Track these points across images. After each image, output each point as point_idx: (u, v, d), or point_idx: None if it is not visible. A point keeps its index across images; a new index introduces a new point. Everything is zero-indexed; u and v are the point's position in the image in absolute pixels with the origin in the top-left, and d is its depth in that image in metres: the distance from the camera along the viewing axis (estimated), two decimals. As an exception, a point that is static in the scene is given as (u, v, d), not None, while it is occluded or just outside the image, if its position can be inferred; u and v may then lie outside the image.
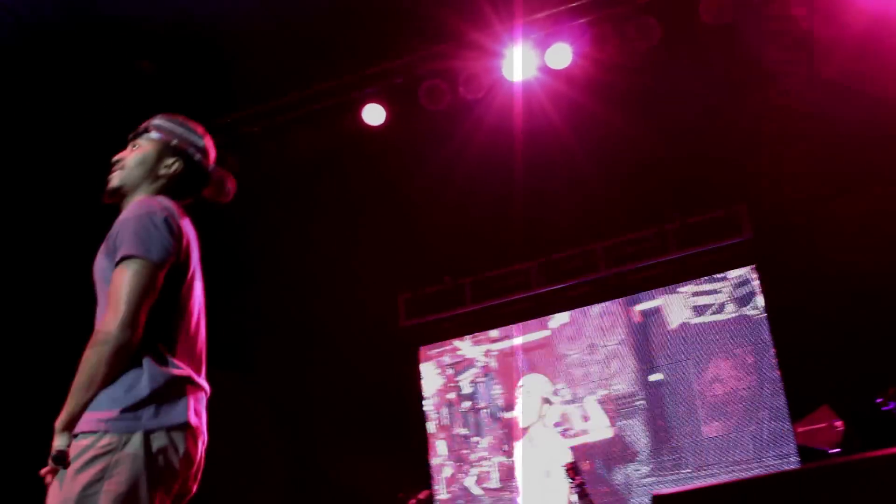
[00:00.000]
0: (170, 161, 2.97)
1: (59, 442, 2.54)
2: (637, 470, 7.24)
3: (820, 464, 4.92)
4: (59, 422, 2.57)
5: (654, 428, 7.25)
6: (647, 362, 7.42)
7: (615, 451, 7.33)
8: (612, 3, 6.35)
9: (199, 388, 2.76)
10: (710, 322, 7.32)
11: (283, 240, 7.86)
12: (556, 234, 7.68)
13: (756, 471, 6.77)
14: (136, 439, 2.54)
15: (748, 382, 7.09)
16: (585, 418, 7.46)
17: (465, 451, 7.64)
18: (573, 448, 7.33)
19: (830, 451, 5.71)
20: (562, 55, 6.51)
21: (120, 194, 2.94)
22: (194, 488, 2.77)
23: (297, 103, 6.98)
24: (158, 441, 2.57)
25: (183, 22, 6.14)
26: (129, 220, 2.70)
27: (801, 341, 6.71)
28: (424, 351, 8.03)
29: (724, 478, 6.83)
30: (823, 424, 5.76)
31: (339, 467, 7.36)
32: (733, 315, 7.23)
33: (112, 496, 2.47)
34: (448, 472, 7.62)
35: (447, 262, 7.91)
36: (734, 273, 7.29)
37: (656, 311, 7.53)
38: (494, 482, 7.54)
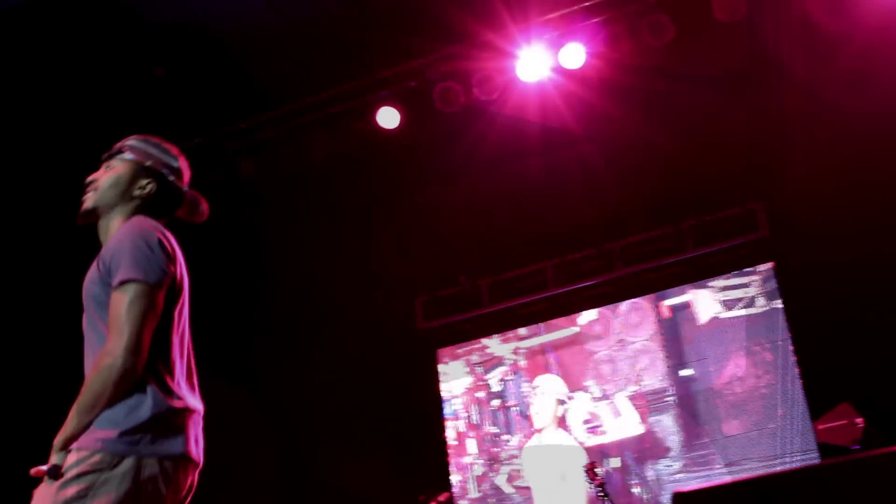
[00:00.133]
0: (144, 182, 2.98)
1: (55, 459, 2.56)
2: (668, 466, 7.21)
3: (841, 459, 4.86)
4: (59, 440, 2.60)
5: (685, 423, 7.21)
6: (677, 357, 7.38)
7: (646, 448, 7.30)
8: (624, 2, 6.29)
9: (196, 413, 2.78)
10: (741, 316, 7.26)
11: (298, 244, 7.92)
12: (572, 234, 7.67)
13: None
14: (128, 463, 2.55)
15: (767, 380, 7.04)
16: (616, 415, 7.44)
17: (495, 450, 7.67)
18: (604, 445, 7.34)
19: (851, 448, 5.64)
20: (575, 55, 6.47)
21: (94, 216, 2.96)
22: None
23: (311, 107, 6.99)
24: (150, 469, 2.58)
25: (196, 28, 6.16)
26: (124, 243, 2.72)
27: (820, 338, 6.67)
28: (452, 350, 8.06)
29: (754, 474, 6.77)
30: (844, 421, 5.69)
31: (359, 472, 7.38)
32: (764, 309, 7.17)
33: None
34: (479, 470, 7.65)
35: (464, 263, 7.92)
36: (764, 266, 7.22)
37: (686, 306, 7.48)
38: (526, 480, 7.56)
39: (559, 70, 6.60)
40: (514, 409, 7.77)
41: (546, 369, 7.69)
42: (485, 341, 7.96)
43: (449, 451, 7.82)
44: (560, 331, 7.79)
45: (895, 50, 6.31)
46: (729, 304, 7.32)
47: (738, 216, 7.24)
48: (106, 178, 2.97)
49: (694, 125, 7.00)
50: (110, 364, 2.58)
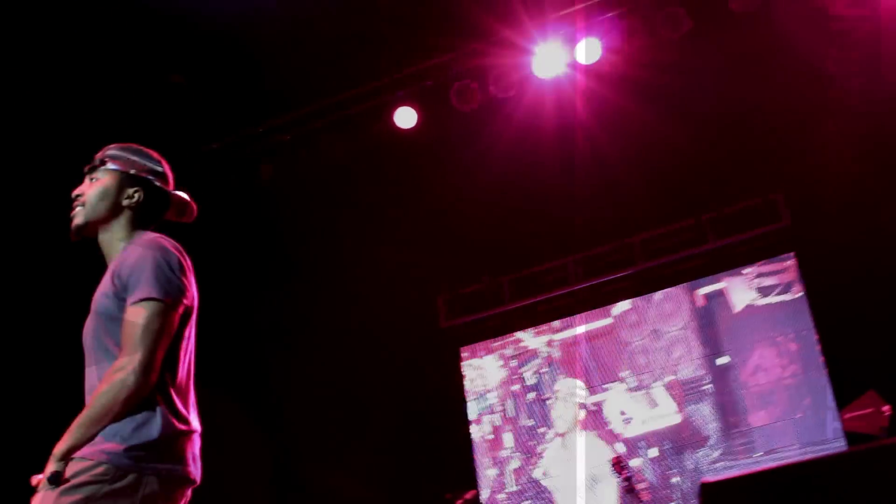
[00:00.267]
0: (131, 191, 2.97)
1: (54, 467, 2.57)
2: (707, 455, 7.17)
3: (868, 446, 4.83)
4: (59, 450, 2.60)
5: (723, 412, 7.17)
6: (712, 346, 7.33)
7: (684, 437, 7.27)
8: (640, -5, 6.31)
9: (196, 433, 2.80)
10: (776, 303, 7.21)
11: (318, 246, 7.95)
12: (592, 229, 7.67)
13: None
14: (130, 478, 2.57)
15: (792, 370, 7.00)
16: (652, 405, 7.41)
17: (531, 443, 7.64)
18: (641, 436, 7.31)
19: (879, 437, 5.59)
20: (591, 50, 6.47)
21: (87, 230, 2.97)
22: None
23: (328, 109, 7.05)
24: (150, 486, 2.60)
25: (212, 32, 6.21)
26: (146, 261, 2.74)
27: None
28: (487, 344, 8.04)
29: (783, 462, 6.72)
30: (870, 409, 5.64)
31: (383, 469, 7.47)
32: (800, 295, 7.12)
33: None
34: (515, 463, 7.63)
35: (485, 261, 7.92)
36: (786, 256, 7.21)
37: (720, 293, 7.44)
38: (563, 472, 7.54)
39: (575, 66, 6.61)
40: (550, 401, 7.74)
41: (581, 361, 7.67)
42: (518, 334, 7.94)
43: (483, 446, 7.81)
44: (594, 322, 7.75)
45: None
46: (764, 291, 7.27)
47: (758, 206, 7.23)
48: (92, 191, 2.96)
49: (711, 117, 6.96)
50: (122, 379, 2.60)
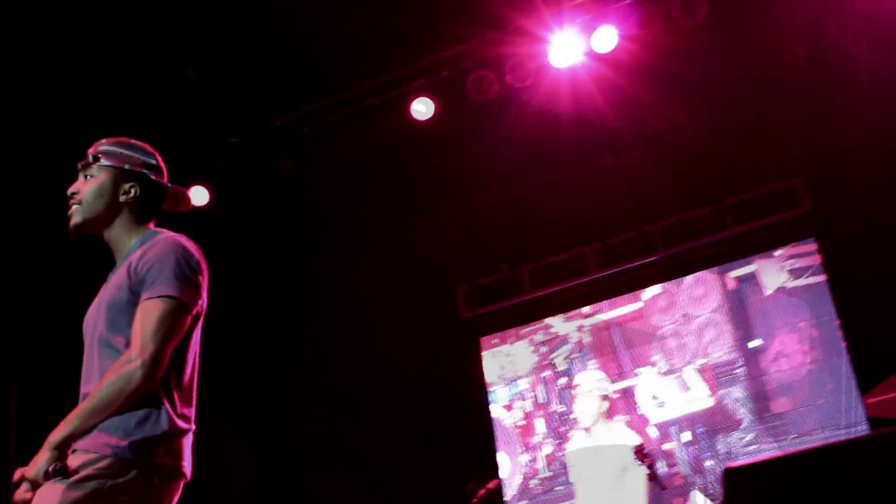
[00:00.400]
0: (127, 186, 2.97)
1: (48, 456, 2.56)
2: (741, 438, 7.13)
3: (891, 430, 4.79)
4: (56, 438, 2.60)
5: (756, 395, 7.13)
6: (744, 329, 7.29)
7: (717, 421, 7.23)
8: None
9: (191, 431, 2.82)
10: (809, 284, 7.15)
11: (336, 239, 8.00)
12: (611, 218, 7.64)
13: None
14: (133, 473, 2.58)
15: (814, 356, 6.95)
16: (684, 389, 7.38)
17: (563, 429, 7.65)
18: (673, 420, 7.29)
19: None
20: (607, 38, 6.44)
21: (86, 228, 2.98)
22: None
23: (345, 102, 7.06)
24: (152, 481, 2.63)
25: (229, 26, 6.24)
26: (166, 259, 2.76)
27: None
28: (516, 330, 8.04)
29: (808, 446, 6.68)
30: (894, 394, 5.57)
31: (404, 462, 7.53)
32: (822, 280, 7.07)
33: None
34: (548, 449, 7.64)
35: (503, 251, 7.92)
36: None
37: (751, 276, 7.38)
38: (595, 457, 7.54)
39: (591, 54, 6.58)
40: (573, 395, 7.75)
41: (611, 346, 7.66)
42: (548, 320, 7.94)
43: (515, 432, 7.83)
44: (624, 307, 7.73)
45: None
46: (796, 273, 7.21)
47: (778, 192, 7.17)
48: (88, 188, 2.97)
49: (728, 103, 6.92)
50: (130, 372, 2.61)
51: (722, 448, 7.15)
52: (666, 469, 7.17)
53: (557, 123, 6.99)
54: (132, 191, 2.97)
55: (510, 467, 7.72)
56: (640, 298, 7.69)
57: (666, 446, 7.27)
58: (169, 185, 3.09)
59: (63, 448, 2.59)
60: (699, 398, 7.31)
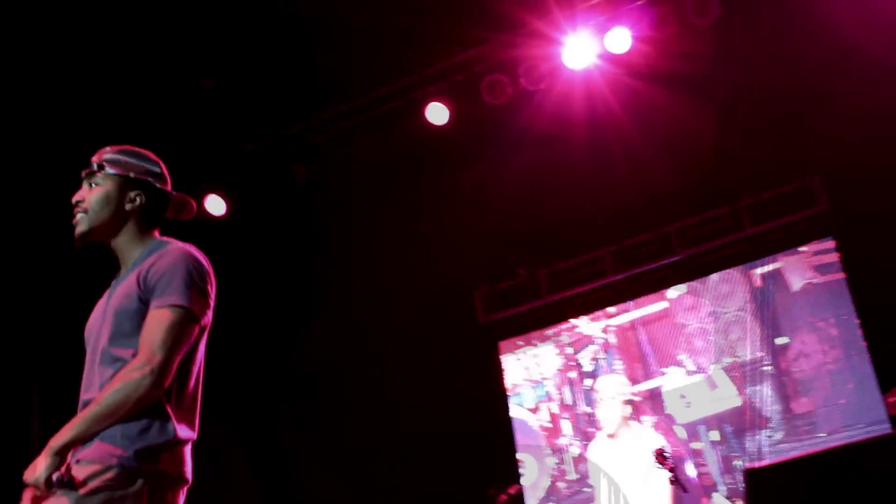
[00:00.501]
0: (132, 194, 2.98)
1: (49, 462, 2.55)
2: (770, 436, 7.07)
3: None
4: (57, 444, 2.59)
5: (785, 392, 7.07)
6: (771, 326, 7.23)
7: (745, 419, 7.18)
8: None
9: (193, 440, 2.83)
10: (829, 283, 7.09)
11: (353, 246, 8.01)
12: (628, 220, 7.61)
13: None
14: (140, 483, 2.58)
15: (834, 355, 6.90)
16: (712, 387, 7.34)
17: (590, 430, 7.63)
18: (701, 419, 7.25)
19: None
20: (621, 39, 6.44)
21: (92, 237, 2.98)
22: None
23: (360, 108, 7.10)
24: (157, 491, 2.63)
25: (241, 35, 6.30)
26: (177, 269, 2.78)
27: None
28: (541, 332, 8.03)
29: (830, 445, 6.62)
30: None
31: (422, 468, 7.52)
32: (841, 279, 7.02)
33: None
34: (575, 451, 7.62)
35: (520, 255, 7.89)
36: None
37: (777, 273, 7.32)
38: (623, 459, 7.51)
39: (605, 56, 6.58)
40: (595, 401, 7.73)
41: (637, 346, 7.63)
42: (574, 321, 7.92)
43: (541, 434, 7.81)
44: (649, 306, 7.70)
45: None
46: (822, 270, 7.14)
47: (795, 191, 7.11)
48: (94, 197, 2.97)
49: (742, 103, 6.90)
50: (139, 380, 2.61)
51: (751, 447, 7.09)
52: (687, 472, 7.13)
53: (572, 126, 6.99)
54: (137, 199, 2.98)
55: (537, 469, 7.71)
56: (666, 297, 7.66)
57: (694, 446, 7.23)
58: (173, 192, 3.10)
59: (64, 454, 2.59)
60: (727, 397, 7.26)
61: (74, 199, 3.00)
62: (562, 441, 7.74)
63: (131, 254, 2.96)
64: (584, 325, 7.89)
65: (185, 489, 2.78)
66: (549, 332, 7.99)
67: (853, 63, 6.52)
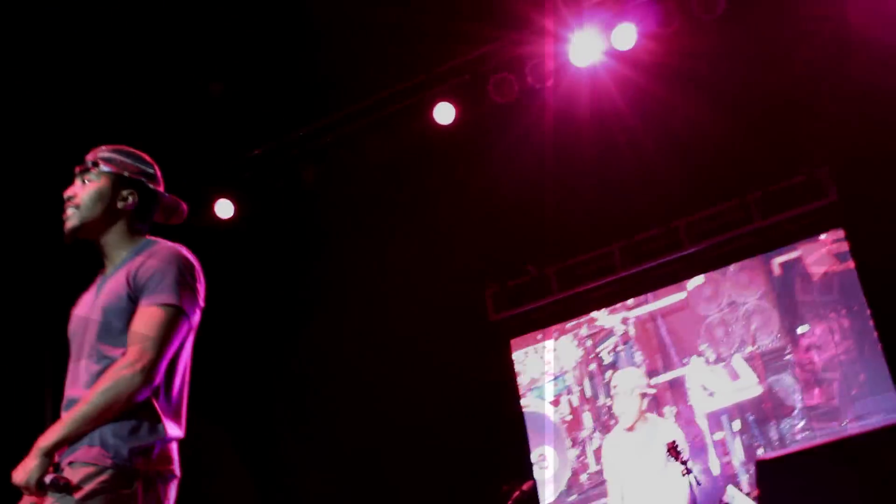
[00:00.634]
0: (125, 193, 2.98)
1: (38, 463, 2.53)
2: (793, 425, 7.05)
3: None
4: (46, 444, 2.57)
5: (806, 380, 7.05)
6: (792, 315, 7.20)
7: (767, 408, 7.17)
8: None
9: (180, 438, 2.83)
10: (841, 274, 7.06)
11: (362, 247, 8.03)
12: (636, 215, 7.59)
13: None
14: (134, 483, 2.58)
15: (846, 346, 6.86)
16: (733, 377, 7.33)
17: (612, 422, 7.65)
18: (723, 409, 7.25)
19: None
20: (627, 36, 6.44)
21: (82, 233, 2.97)
22: None
23: (367, 109, 7.14)
24: (152, 487, 2.64)
25: (247, 40, 6.34)
26: (169, 267, 2.79)
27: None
28: (561, 326, 8.03)
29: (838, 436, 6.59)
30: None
31: (436, 466, 7.53)
32: (851, 270, 6.99)
33: None
34: (596, 443, 7.65)
35: (529, 252, 7.89)
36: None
37: (797, 261, 7.29)
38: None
39: (611, 53, 6.59)
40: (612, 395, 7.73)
41: (657, 337, 7.63)
42: (593, 314, 7.94)
43: (562, 427, 7.84)
44: (668, 297, 7.69)
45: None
46: (842, 257, 7.10)
47: (804, 183, 7.07)
48: (87, 193, 2.96)
49: (749, 97, 6.87)
50: (129, 377, 2.61)
51: (774, 435, 7.08)
52: (709, 463, 7.13)
53: (579, 123, 6.99)
54: (130, 198, 2.98)
55: (558, 462, 7.75)
56: (685, 288, 7.65)
57: (717, 436, 7.22)
58: (166, 194, 3.11)
59: (52, 454, 2.58)
60: (748, 386, 7.25)
61: (66, 194, 2.99)
62: (583, 434, 7.76)
63: (119, 252, 2.95)
64: (603, 317, 7.90)
65: (177, 483, 2.79)
66: (569, 325, 8.01)
67: (859, 54, 6.47)
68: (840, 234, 7.10)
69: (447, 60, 6.83)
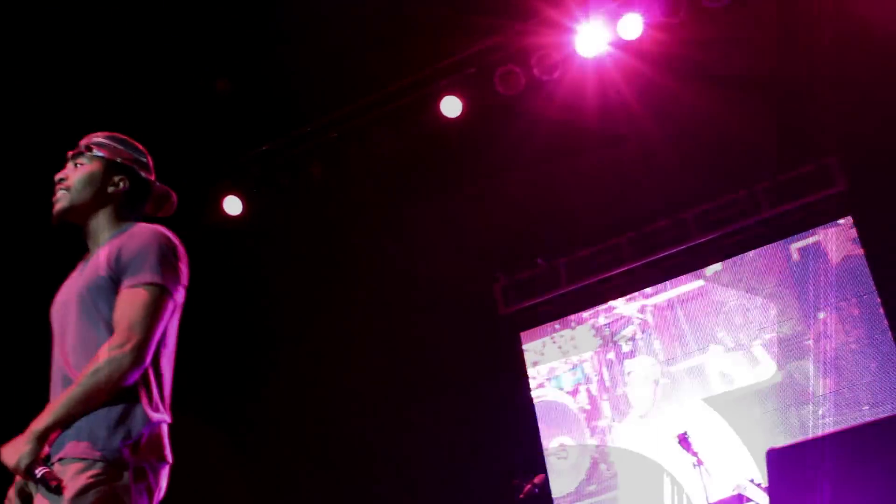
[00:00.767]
0: (117, 179, 2.96)
1: (30, 448, 2.50)
2: (814, 411, 7.01)
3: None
4: (39, 427, 2.55)
5: (827, 366, 7.01)
6: (810, 300, 7.15)
7: (788, 394, 7.13)
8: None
9: (168, 421, 2.79)
10: (850, 263, 7.01)
11: (371, 243, 8.06)
12: (644, 207, 7.56)
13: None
14: (126, 475, 2.55)
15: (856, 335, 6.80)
16: (753, 364, 7.30)
17: (629, 411, 7.65)
18: (742, 396, 7.22)
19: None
20: (633, 25, 6.41)
21: (70, 215, 2.95)
22: None
23: (374, 104, 7.14)
24: (144, 479, 2.61)
25: (255, 34, 6.36)
26: (149, 247, 2.75)
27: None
28: (578, 315, 8.02)
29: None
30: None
31: (448, 462, 7.57)
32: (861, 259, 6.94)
33: None
34: (615, 432, 7.66)
35: (537, 245, 7.88)
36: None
37: (816, 246, 7.23)
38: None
39: (617, 44, 6.56)
40: (627, 382, 7.71)
41: (676, 325, 7.61)
42: (612, 302, 7.93)
43: (581, 416, 7.84)
44: (686, 284, 7.66)
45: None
46: (847, 248, 7.05)
47: (812, 172, 7.04)
48: (78, 176, 2.95)
49: (756, 86, 6.83)
50: (120, 358, 2.58)
51: (795, 422, 7.05)
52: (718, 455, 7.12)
53: (586, 114, 6.97)
54: (121, 183, 2.96)
55: (577, 451, 7.76)
56: (703, 276, 7.62)
57: (736, 423, 7.20)
58: (157, 183, 3.09)
59: (45, 438, 2.55)
60: (768, 373, 7.21)
61: (58, 176, 2.98)
62: (602, 423, 7.77)
63: (103, 235, 2.93)
64: (620, 305, 7.89)
65: (168, 469, 2.76)
66: (586, 314, 8.01)
67: (866, 42, 6.40)
68: (849, 222, 7.06)
69: (453, 54, 6.82)
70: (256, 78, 6.80)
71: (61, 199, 2.93)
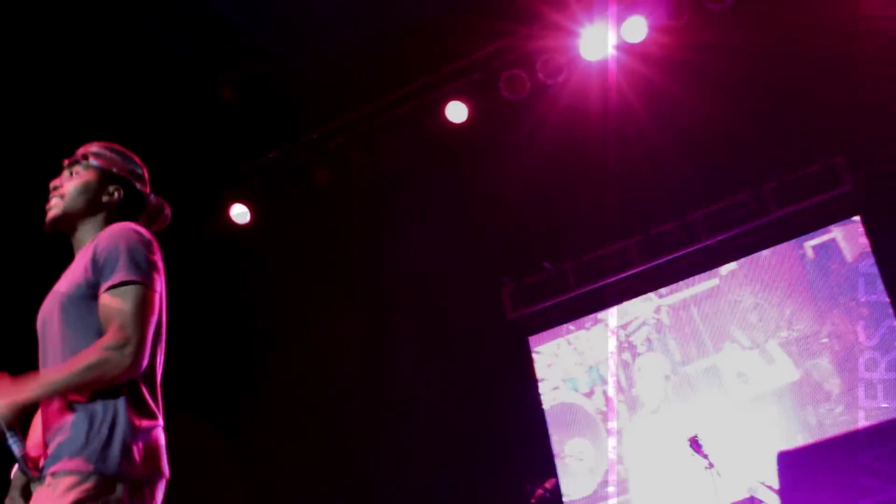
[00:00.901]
0: (111, 188, 2.95)
1: (3, 413, 2.46)
2: (831, 409, 6.98)
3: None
4: (19, 399, 2.50)
5: (844, 364, 6.97)
6: (826, 298, 7.11)
7: (805, 393, 7.10)
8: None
9: (161, 426, 2.75)
10: (857, 262, 6.98)
11: (376, 248, 8.08)
12: (652, 209, 7.54)
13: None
14: (120, 488, 2.52)
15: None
16: (769, 362, 7.27)
17: (640, 408, 7.63)
18: (759, 395, 7.20)
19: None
20: (637, 28, 6.41)
21: (63, 223, 2.94)
22: None
23: (380, 110, 7.17)
24: (139, 490, 2.58)
25: (260, 42, 6.40)
26: (118, 245, 2.71)
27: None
28: (593, 316, 8.01)
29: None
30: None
31: (457, 468, 7.56)
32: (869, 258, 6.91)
33: None
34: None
35: (545, 249, 7.87)
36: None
37: (831, 244, 7.20)
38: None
39: (621, 47, 6.56)
40: (636, 378, 7.70)
41: (691, 325, 7.59)
42: (626, 303, 7.92)
43: (597, 418, 7.84)
44: (700, 284, 7.64)
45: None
46: (858, 246, 7.02)
47: (819, 172, 7.00)
48: (73, 184, 2.94)
49: (762, 87, 6.81)
50: (119, 359, 2.55)
51: (812, 421, 7.01)
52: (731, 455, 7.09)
53: (591, 117, 6.98)
54: (116, 193, 2.95)
55: (595, 453, 7.75)
56: (717, 275, 7.59)
57: (752, 422, 7.17)
58: (151, 195, 3.08)
59: (20, 410, 2.52)
60: (784, 371, 7.18)
61: (52, 184, 2.98)
62: (618, 424, 7.76)
63: (87, 240, 2.89)
64: (636, 306, 7.87)
65: (164, 484, 2.72)
66: (600, 315, 7.99)
67: (872, 42, 6.35)
68: (844, 227, 7.03)
69: (457, 59, 6.84)
70: (261, 85, 6.83)
71: (55, 207, 2.92)
